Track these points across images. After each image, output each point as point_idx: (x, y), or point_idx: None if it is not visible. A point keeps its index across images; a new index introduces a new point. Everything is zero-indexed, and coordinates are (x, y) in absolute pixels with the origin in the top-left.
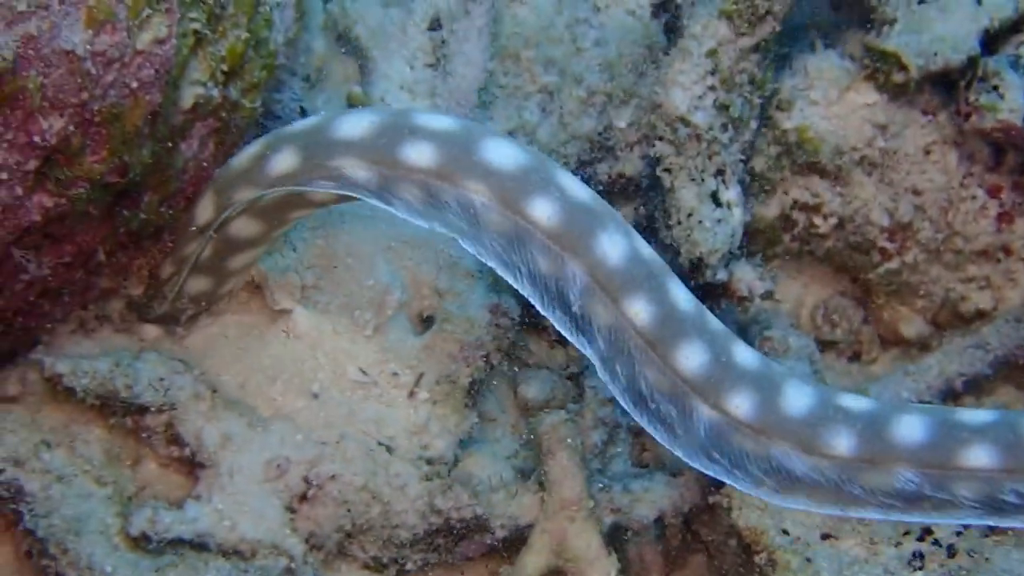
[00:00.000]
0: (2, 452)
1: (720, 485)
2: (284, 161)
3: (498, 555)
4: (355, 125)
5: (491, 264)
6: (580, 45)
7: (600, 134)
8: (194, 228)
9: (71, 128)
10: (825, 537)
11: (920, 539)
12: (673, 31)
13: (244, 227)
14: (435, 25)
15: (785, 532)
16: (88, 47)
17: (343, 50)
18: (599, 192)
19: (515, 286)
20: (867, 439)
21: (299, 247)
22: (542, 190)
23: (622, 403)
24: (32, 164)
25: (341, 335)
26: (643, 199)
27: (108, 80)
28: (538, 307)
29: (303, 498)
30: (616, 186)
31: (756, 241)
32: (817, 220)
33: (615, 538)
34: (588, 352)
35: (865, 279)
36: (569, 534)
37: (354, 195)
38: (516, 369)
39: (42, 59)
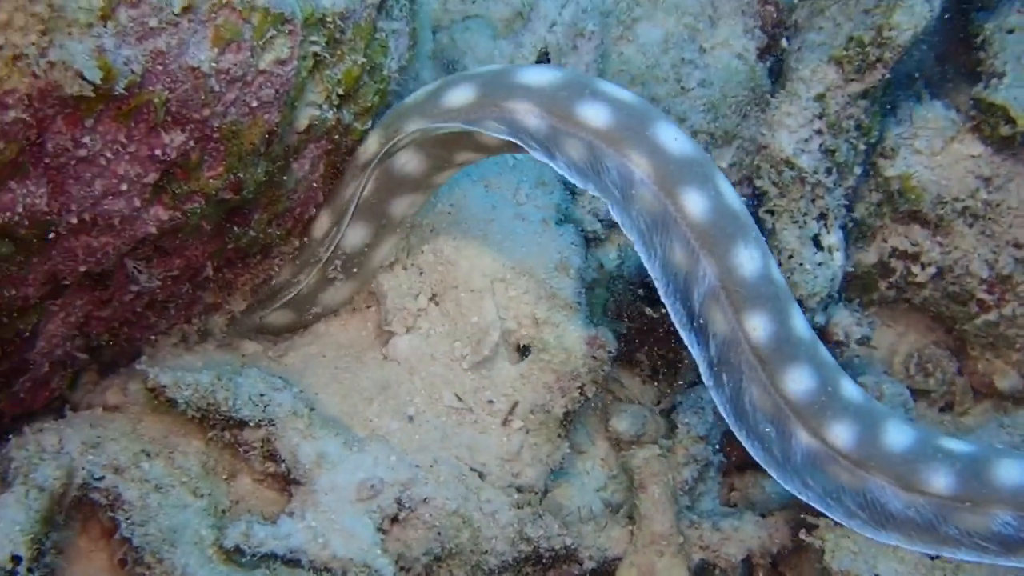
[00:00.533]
0: (103, 459)
1: (813, 527)
2: (460, 95)
3: None
4: (539, 75)
5: (631, 237)
6: (685, 85)
7: None
8: (357, 165)
9: (191, 143)
10: None
11: None
12: (778, 75)
13: (408, 162)
14: (543, 59)
15: None
16: (213, 65)
17: None
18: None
19: (646, 265)
20: (966, 479)
21: (425, 272)
22: (700, 185)
23: (722, 412)
24: (151, 177)
25: (438, 361)
26: None
27: (230, 98)
28: (660, 292)
29: (394, 520)
30: None
31: (853, 287)
32: (915, 268)
33: None
34: (696, 353)
35: (961, 330)
36: (657, 568)
37: (518, 143)
38: (608, 402)
39: (169, 74)
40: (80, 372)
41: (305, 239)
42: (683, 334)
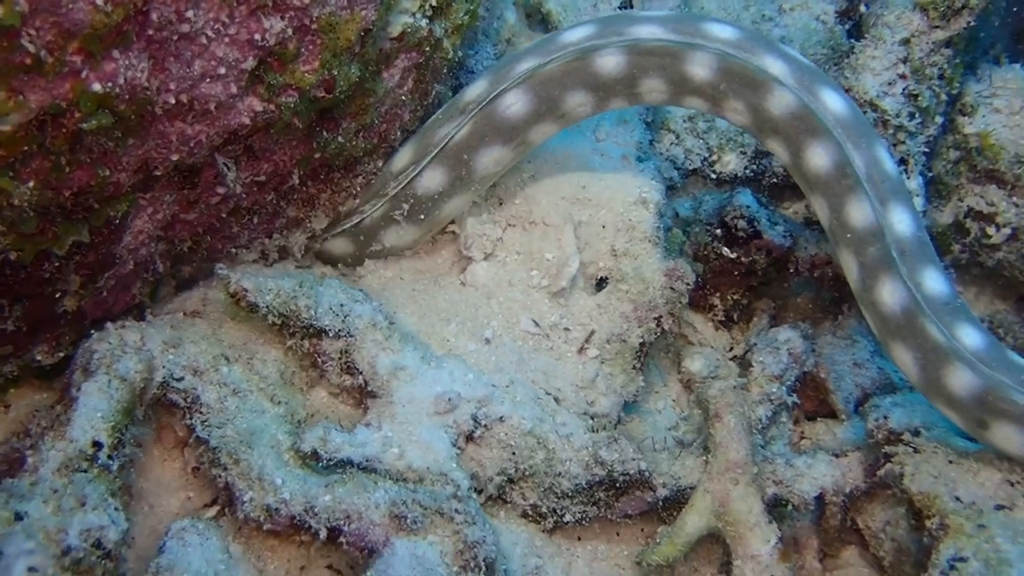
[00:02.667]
0: (183, 360)
1: (891, 455)
2: (579, 32)
3: (655, 518)
4: (656, 12)
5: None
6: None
7: None
8: (457, 107)
9: (289, 32)
10: (999, 508)
11: None
12: (858, 33)
13: (514, 103)
14: (626, 4)
15: (958, 499)
16: None
17: (531, 26)
18: (773, 185)
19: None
20: None
21: (505, 202)
22: (830, 84)
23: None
24: (249, 63)
25: (516, 287)
26: None
27: None
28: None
29: (469, 438)
30: (791, 179)
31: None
32: (990, 229)
33: (772, 513)
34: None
35: None
36: (732, 497)
37: (649, 44)
38: (681, 346)
39: None
40: (159, 284)
41: (383, 166)
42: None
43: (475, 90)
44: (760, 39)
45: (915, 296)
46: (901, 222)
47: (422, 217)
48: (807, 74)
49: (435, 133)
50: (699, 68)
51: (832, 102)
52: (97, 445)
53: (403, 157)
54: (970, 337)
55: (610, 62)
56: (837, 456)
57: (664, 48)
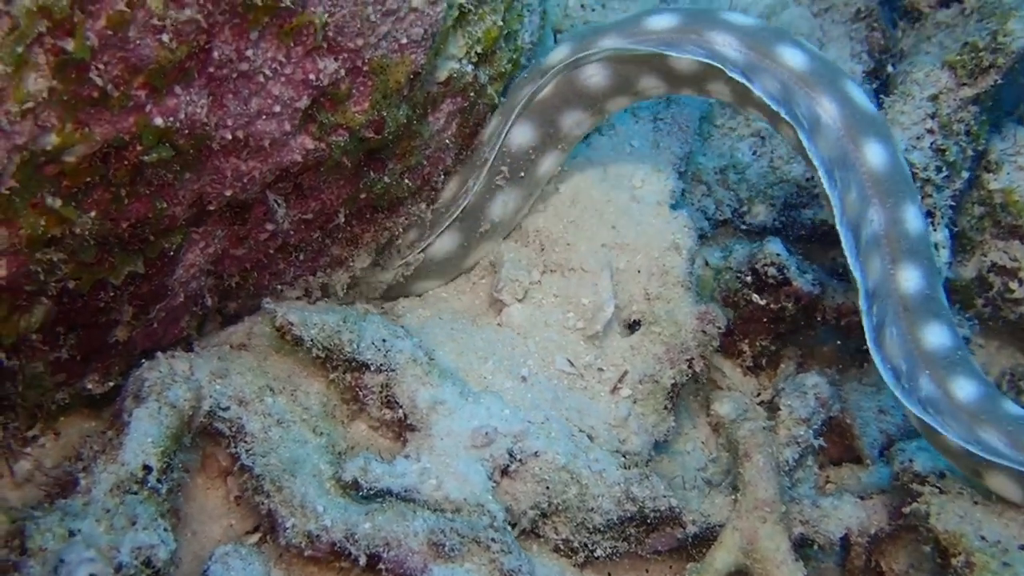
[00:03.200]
0: (230, 391)
1: (918, 495)
2: (663, 21)
3: (684, 554)
4: (740, 17)
5: (815, 163)
6: None
7: (808, 180)
8: (538, 70)
9: (342, 73)
10: (1023, 547)
11: None
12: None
13: (594, 75)
14: None
15: (984, 538)
16: None
17: None
18: (801, 236)
19: (827, 191)
20: None
21: (546, 247)
22: (881, 139)
23: (867, 331)
24: (303, 102)
25: (551, 327)
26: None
27: (383, 31)
28: (836, 219)
29: (505, 472)
30: (819, 231)
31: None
32: (1013, 284)
33: (799, 553)
34: (858, 278)
35: None
36: (760, 534)
37: (717, 64)
38: (710, 390)
39: None
40: (206, 318)
41: (473, 144)
42: (850, 260)
43: (557, 55)
44: (824, 72)
45: (907, 366)
46: (908, 280)
47: (522, 175)
48: (857, 121)
49: (515, 96)
50: (768, 84)
51: (873, 155)
52: (147, 469)
53: (491, 125)
54: (964, 390)
55: (683, 63)
56: (862, 499)
57: (728, 69)
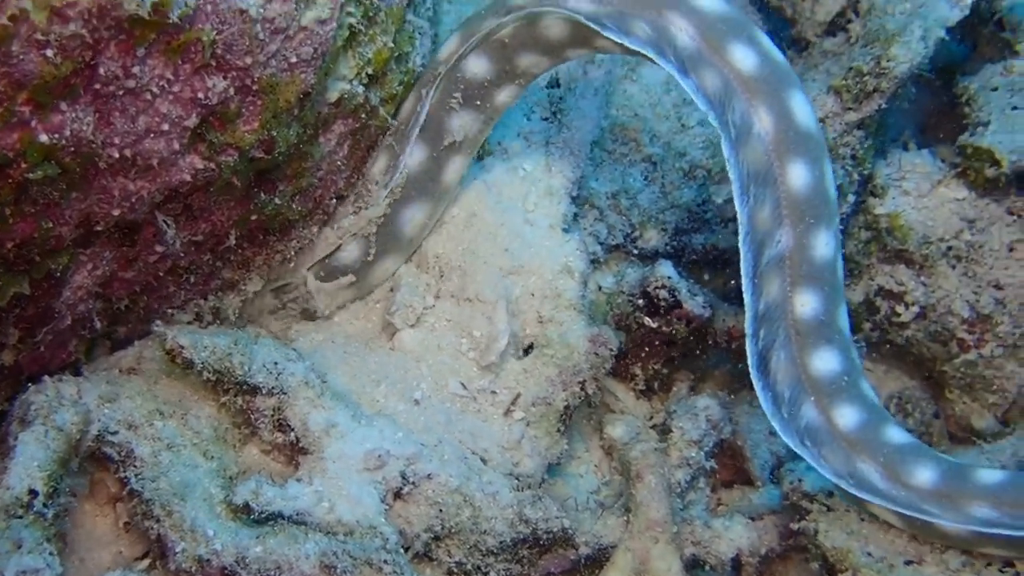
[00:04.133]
0: (118, 415)
1: (806, 512)
2: None
3: (578, 575)
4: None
5: (731, 175)
6: (685, 123)
7: (699, 206)
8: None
9: (231, 92)
10: (908, 563)
11: (1002, 570)
12: None
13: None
14: (554, 83)
15: (870, 554)
16: (260, 10)
17: None
18: (693, 261)
19: (736, 204)
20: (948, 478)
21: (445, 274)
22: (810, 161)
23: (750, 357)
24: (192, 121)
25: (444, 351)
26: (735, 272)
27: (272, 49)
28: (740, 236)
29: (398, 495)
30: (710, 256)
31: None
32: (899, 308)
33: (691, 574)
34: (748, 300)
35: (940, 371)
36: (652, 555)
37: (584, 22)
38: (602, 414)
39: (218, 15)
40: (95, 343)
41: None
42: (744, 280)
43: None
44: (773, 79)
45: (799, 375)
46: (804, 304)
47: (478, 103)
48: (791, 138)
49: (480, 24)
50: (708, 80)
51: (796, 176)
52: (33, 493)
53: (449, 46)
54: (845, 418)
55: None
56: (753, 519)
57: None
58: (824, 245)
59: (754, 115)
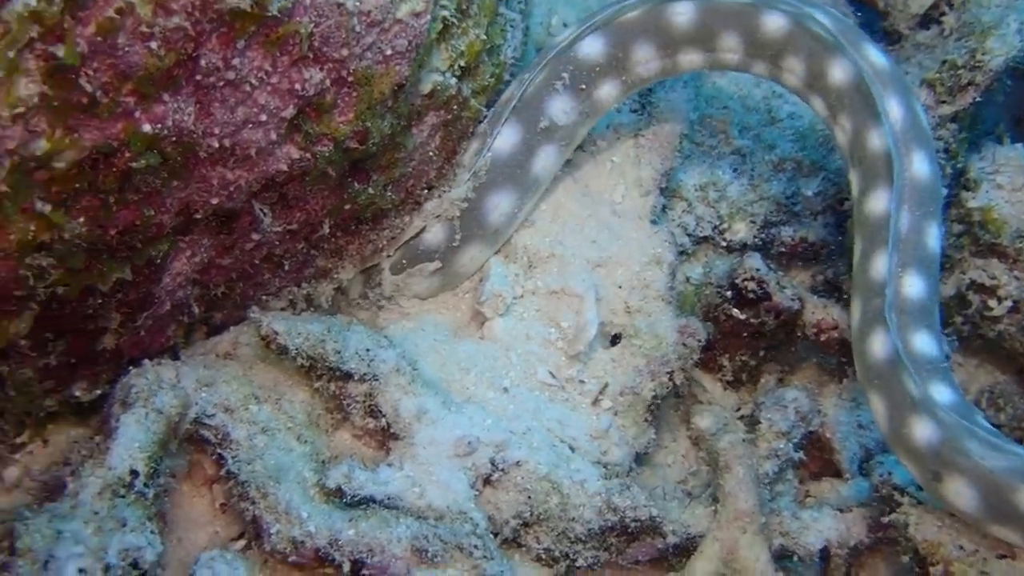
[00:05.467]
0: (215, 398)
1: (897, 505)
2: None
3: (665, 564)
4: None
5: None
6: (775, 115)
7: (788, 199)
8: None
9: (327, 83)
10: (1001, 557)
11: None
12: None
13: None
14: None
15: (962, 548)
16: (357, 4)
17: None
18: (781, 253)
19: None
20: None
21: (533, 264)
22: (926, 152)
23: (888, 311)
24: (289, 112)
25: (533, 340)
26: (824, 265)
27: (368, 42)
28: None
29: (487, 481)
30: (799, 249)
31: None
32: (992, 302)
33: (778, 565)
34: (891, 225)
35: None
36: (740, 545)
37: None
38: (690, 404)
39: (316, 8)
40: (193, 328)
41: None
42: (890, 242)
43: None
44: (896, 77)
45: (899, 350)
46: (912, 286)
47: (582, 88)
48: (913, 129)
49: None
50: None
51: (918, 165)
52: (134, 473)
53: (569, 32)
54: (942, 395)
55: (773, 25)
56: (842, 511)
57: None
58: (934, 237)
59: (886, 104)
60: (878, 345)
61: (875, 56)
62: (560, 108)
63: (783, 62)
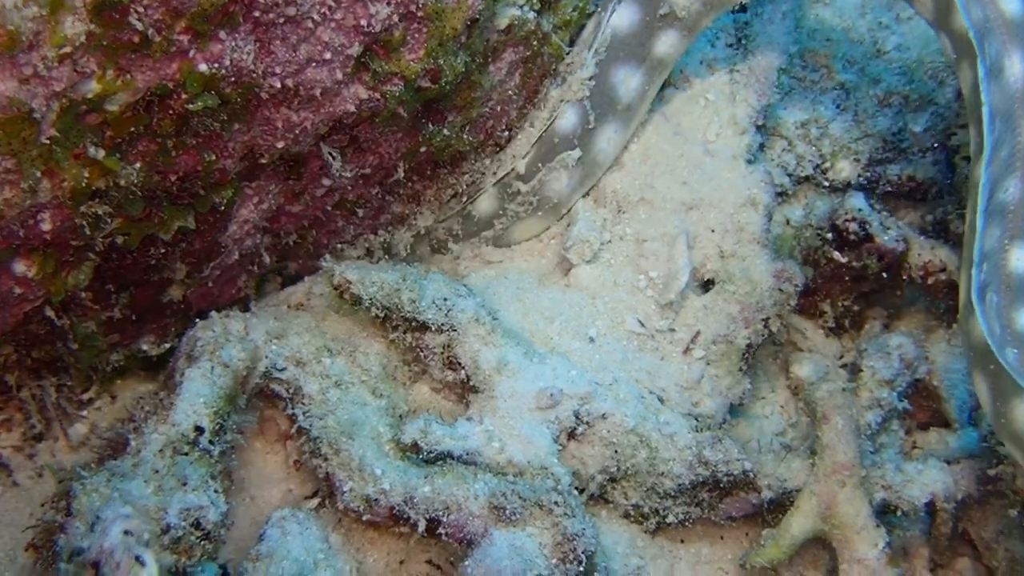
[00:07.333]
0: (286, 351)
1: (1004, 458)
2: None
3: (760, 520)
4: None
5: (984, 104)
6: (881, 47)
7: (894, 135)
8: None
9: (395, 19)
10: None
11: None
12: None
13: None
14: (739, 7)
15: None
16: None
17: None
18: (887, 193)
19: (985, 135)
20: None
21: (623, 209)
22: None
23: (974, 281)
24: (355, 49)
25: (621, 287)
26: (933, 204)
27: None
28: (983, 162)
29: (571, 435)
30: (906, 187)
31: None
32: None
33: (881, 520)
34: (979, 226)
35: None
36: (839, 499)
37: None
38: (789, 352)
39: None
40: (265, 279)
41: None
42: (980, 208)
43: None
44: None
45: (1000, 332)
46: (1020, 259)
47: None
48: None
49: None
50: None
51: None
52: (199, 430)
53: None
54: None
55: None
56: (949, 463)
57: None
58: None
59: (1007, 58)
60: (977, 326)
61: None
62: None
63: None
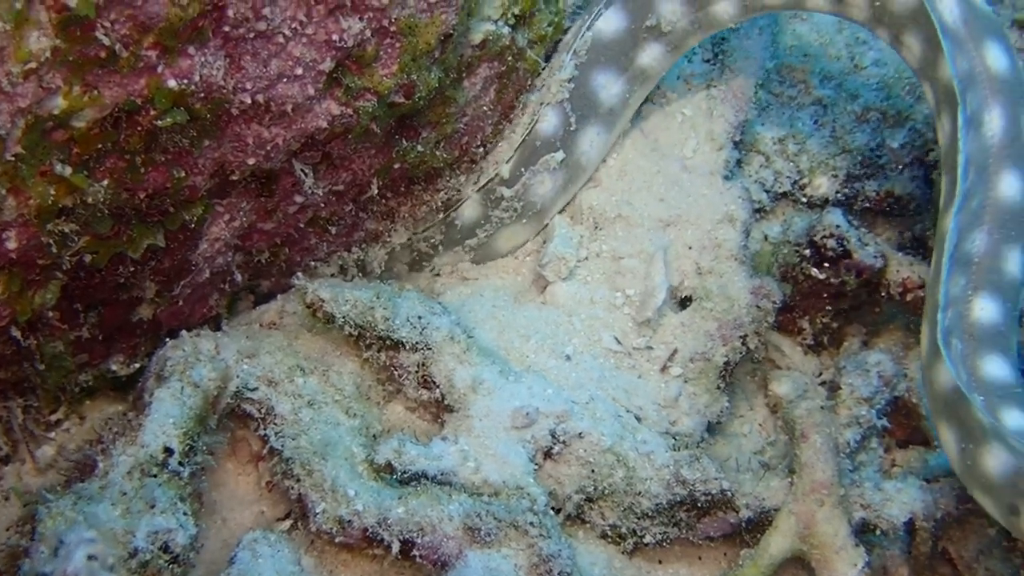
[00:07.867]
0: (258, 371)
1: None
2: None
3: (738, 540)
4: None
5: (961, 156)
6: (859, 63)
7: (872, 151)
8: None
9: (368, 34)
10: None
11: None
12: None
13: None
14: None
15: None
16: None
17: None
18: (865, 209)
19: (958, 186)
20: None
21: (599, 226)
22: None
23: (939, 326)
24: (327, 65)
25: (598, 305)
26: (911, 220)
27: None
28: (950, 214)
29: (547, 454)
30: (884, 204)
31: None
32: None
33: (860, 539)
34: (944, 270)
35: None
36: (817, 518)
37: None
38: (767, 370)
39: None
40: (237, 298)
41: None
42: (945, 264)
43: None
44: (1017, 87)
45: (966, 378)
46: (984, 309)
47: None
48: (1014, 148)
49: None
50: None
51: (1006, 186)
52: (168, 451)
53: None
54: (1016, 421)
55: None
56: (928, 481)
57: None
58: (1014, 261)
59: (986, 112)
60: (943, 375)
61: (996, 57)
62: (670, 9)
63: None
